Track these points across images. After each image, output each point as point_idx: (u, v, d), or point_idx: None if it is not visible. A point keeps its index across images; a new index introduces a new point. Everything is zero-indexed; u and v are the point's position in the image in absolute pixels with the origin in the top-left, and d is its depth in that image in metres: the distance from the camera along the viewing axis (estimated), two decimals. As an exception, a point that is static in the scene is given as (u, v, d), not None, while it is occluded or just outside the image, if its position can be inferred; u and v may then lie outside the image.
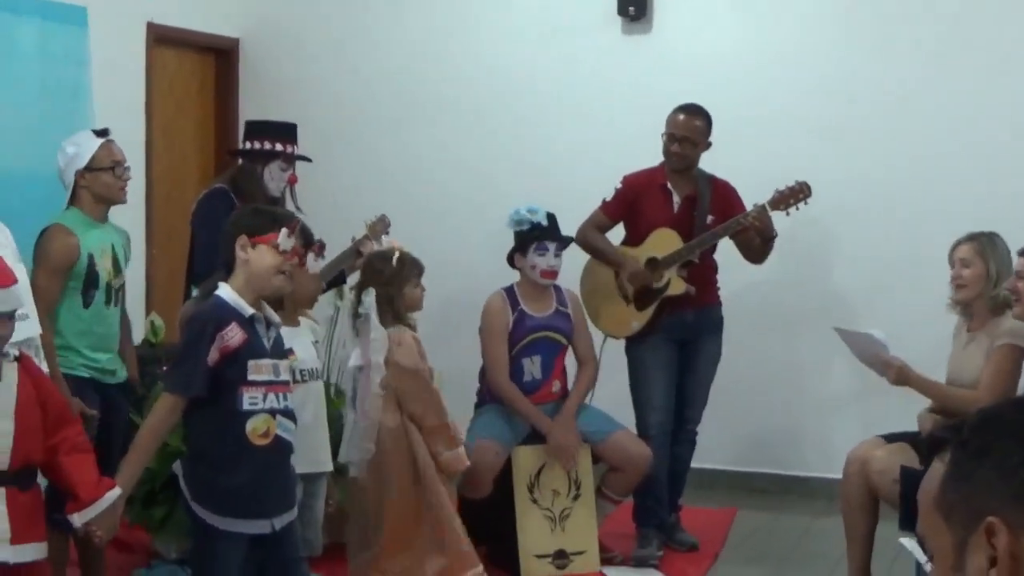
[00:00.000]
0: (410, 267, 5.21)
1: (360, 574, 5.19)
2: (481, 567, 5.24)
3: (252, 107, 8.05)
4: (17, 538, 3.69)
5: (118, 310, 5.19)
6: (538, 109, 7.88)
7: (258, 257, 4.00)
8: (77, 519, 3.80)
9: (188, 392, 3.97)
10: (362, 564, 5.18)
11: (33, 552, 3.76)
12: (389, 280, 5.15)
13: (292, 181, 6.05)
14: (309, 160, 6.17)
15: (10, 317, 3.76)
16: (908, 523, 5.04)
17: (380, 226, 6.51)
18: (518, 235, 6.02)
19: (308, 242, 4.20)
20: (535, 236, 5.96)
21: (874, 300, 7.21)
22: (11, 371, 3.75)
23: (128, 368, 5.32)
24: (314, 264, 4.24)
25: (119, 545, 5.83)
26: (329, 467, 4.93)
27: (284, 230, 4.01)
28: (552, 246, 5.98)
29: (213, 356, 3.92)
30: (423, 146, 8.09)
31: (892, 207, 7.25)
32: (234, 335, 3.94)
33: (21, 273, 4.34)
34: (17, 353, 3.83)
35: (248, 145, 5.98)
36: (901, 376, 5.34)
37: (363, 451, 5.06)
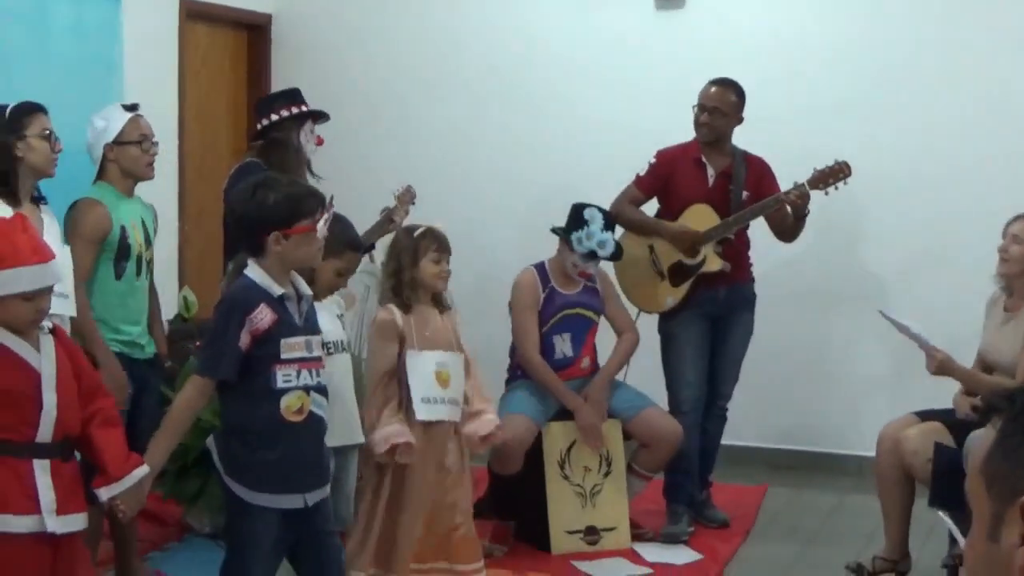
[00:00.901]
0: (429, 240, 5.00)
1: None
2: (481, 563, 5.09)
3: (284, 83, 8.00)
4: (62, 508, 3.73)
5: (147, 282, 5.21)
6: (570, 85, 7.85)
7: (294, 247, 3.99)
8: (104, 493, 3.83)
9: (216, 375, 3.99)
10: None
11: (77, 522, 3.80)
12: (404, 250, 5.00)
13: (320, 143, 6.05)
14: (327, 117, 6.14)
15: (48, 291, 3.79)
16: (938, 500, 5.03)
17: (407, 196, 6.52)
18: (573, 234, 5.93)
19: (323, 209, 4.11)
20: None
21: (908, 279, 7.18)
22: (48, 343, 3.78)
23: (156, 343, 5.34)
24: (321, 228, 4.17)
25: (152, 519, 5.87)
26: (360, 439, 4.91)
27: (320, 221, 4.00)
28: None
29: (244, 340, 3.93)
30: (455, 122, 8.08)
31: (929, 186, 7.20)
32: (263, 317, 3.94)
33: (65, 255, 4.37)
34: (51, 325, 3.85)
35: (275, 118, 5.96)
36: (943, 368, 5.30)
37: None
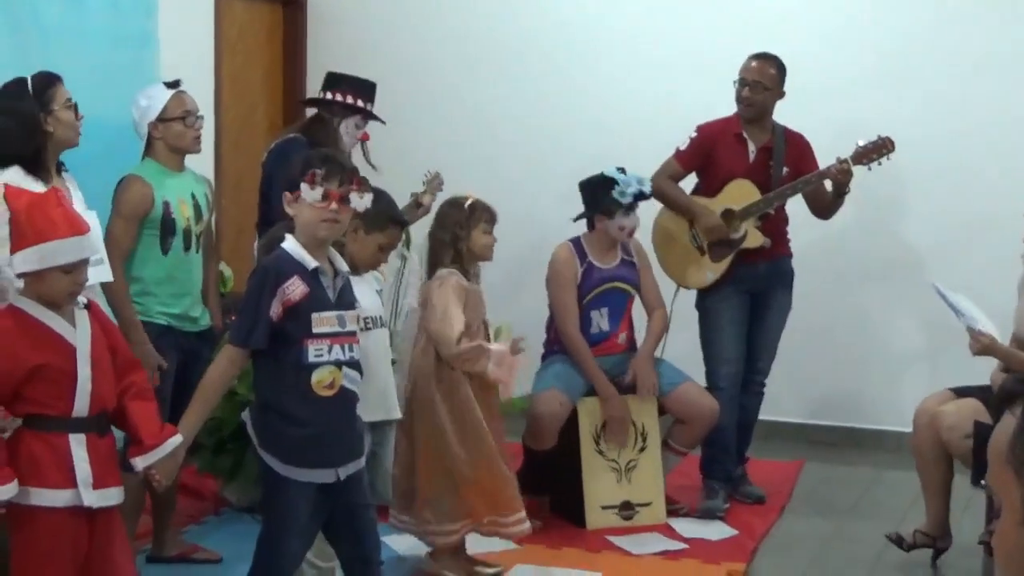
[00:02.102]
0: (480, 211, 5.13)
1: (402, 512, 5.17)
2: (524, 514, 5.15)
3: (320, 57, 8.03)
4: (98, 483, 3.76)
5: (199, 256, 5.23)
6: (608, 64, 7.82)
7: (299, 211, 4.00)
8: (139, 463, 3.86)
9: (248, 344, 3.99)
10: (402, 506, 5.16)
11: (112, 496, 3.84)
12: (458, 223, 5.09)
13: (364, 139, 6.03)
14: (383, 122, 6.12)
15: (85, 264, 3.82)
16: (981, 478, 5.01)
17: (435, 183, 6.53)
18: (608, 199, 5.93)
19: (345, 180, 4.03)
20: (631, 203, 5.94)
21: (948, 255, 7.13)
22: (83, 318, 3.80)
23: (212, 315, 5.36)
24: (359, 202, 4.08)
25: (189, 493, 5.91)
26: (397, 415, 4.93)
27: (304, 184, 3.96)
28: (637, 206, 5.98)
29: (276, 310, 3.93)
30: (492, 99, 8.06)
31: (969, 161, 7.16)
32: (295, 288, 3.94)
33: (92, 220, 4.39)
34: (86, 301, 3.88)
35: (329, 96, 5.94)
36: (986, 351, 5.23)
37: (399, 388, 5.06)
